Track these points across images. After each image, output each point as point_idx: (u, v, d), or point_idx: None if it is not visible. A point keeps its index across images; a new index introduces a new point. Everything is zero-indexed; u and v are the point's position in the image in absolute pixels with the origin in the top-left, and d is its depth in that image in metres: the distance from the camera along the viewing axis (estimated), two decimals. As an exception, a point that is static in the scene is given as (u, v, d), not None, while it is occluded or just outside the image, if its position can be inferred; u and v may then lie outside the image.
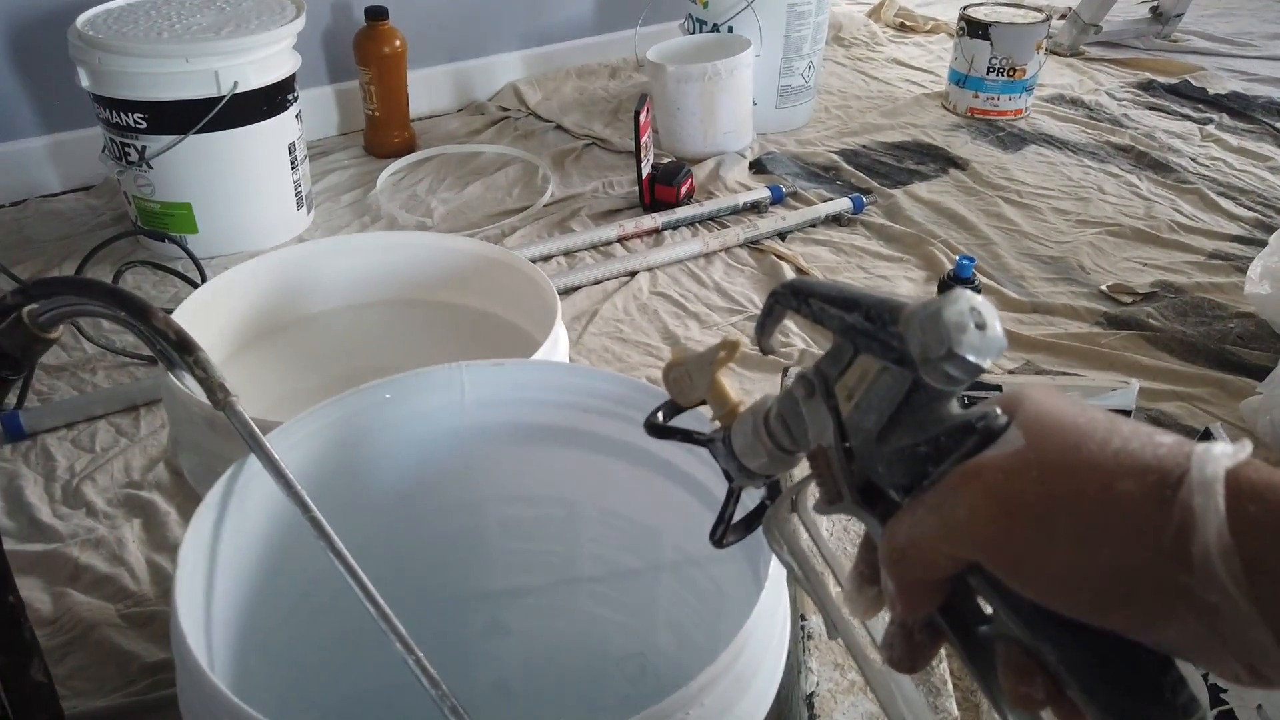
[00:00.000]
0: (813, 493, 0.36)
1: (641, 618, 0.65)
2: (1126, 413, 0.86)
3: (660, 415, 0.44)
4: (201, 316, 0.73)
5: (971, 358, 0.29)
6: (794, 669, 0.62)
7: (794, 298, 0.34)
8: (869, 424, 0.32)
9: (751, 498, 0.41)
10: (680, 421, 0.44)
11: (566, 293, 1.34)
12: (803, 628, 0.62)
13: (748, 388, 1.12)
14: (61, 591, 0.85)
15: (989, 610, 0.30)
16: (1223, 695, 0.67)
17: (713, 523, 0.41)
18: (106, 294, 0.54)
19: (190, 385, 0.64)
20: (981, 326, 0.29)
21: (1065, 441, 0.28)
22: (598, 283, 1.36)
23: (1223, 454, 0.25)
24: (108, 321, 0.74)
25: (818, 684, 0.59)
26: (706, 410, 0.42)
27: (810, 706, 0.57)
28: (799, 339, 1.21)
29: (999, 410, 0.30)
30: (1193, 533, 0.25)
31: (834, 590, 0.38)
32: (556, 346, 0.69)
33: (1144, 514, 0.26)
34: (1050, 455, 0.28)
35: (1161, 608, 0.25)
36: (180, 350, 0.53)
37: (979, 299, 0.29)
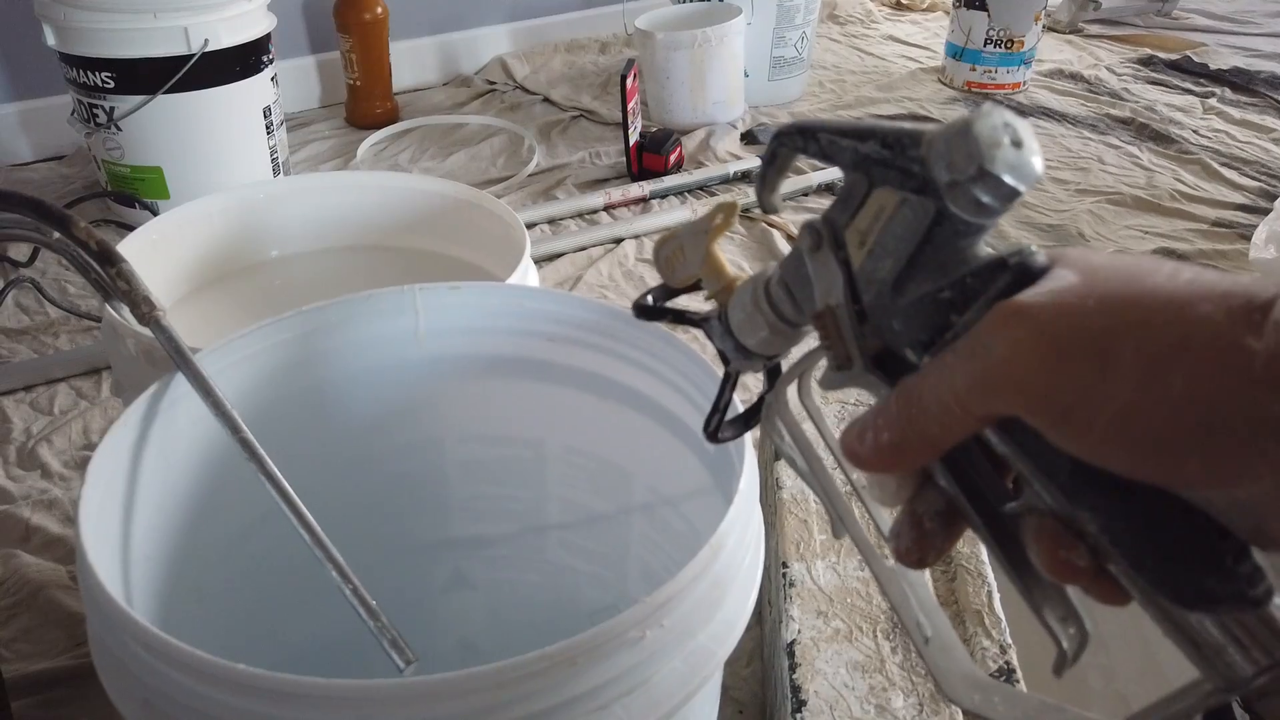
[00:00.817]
0: (819, 370, 0.31)
1: (614, 567, 0.61)
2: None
3: (650, 298, 0.39)
4: (150, 256, 0.69)
5: (1008, 178, 0.24)
6: (776, 619, 0.58)
7: (800, 136, 0.30)
8: (884, 271, 0.28)
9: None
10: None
11: (550, 259, 1.29)
12: (784, 574, 0.58)
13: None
14: (10, 553, 0.80)
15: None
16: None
17: (701, 423, 0.37)
18: (25, 203, 0.49)
19: (129, 317, 0.59)
20: (1018, 144, 0.24)
21: (1128, 274, 0.23)
22: (582, 249, 1.32)
23: None
24: (31, 243, 0.70)
25: (799, 632, 0.54)
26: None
27: (791, 655, 0.53)
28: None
29: (1036, 248, 0.26)
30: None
31: (838, 480, 0.34)
32: (525, 282, 0.65)
33: (1229, 337, 0.21)
34: (1111, 286, 0.23)
35: (1247, 450, 0.21)
36: (101, 261, 0.48)
37: (1010, 114, 0.25)
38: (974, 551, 0.60)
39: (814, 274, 0.30)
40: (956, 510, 0.27)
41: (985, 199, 0.25)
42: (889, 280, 0.28)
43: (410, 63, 1.83)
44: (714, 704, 0.46)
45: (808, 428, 0.35)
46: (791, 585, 0.57)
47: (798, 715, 0.50)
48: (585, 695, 0.34)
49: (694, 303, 0.36)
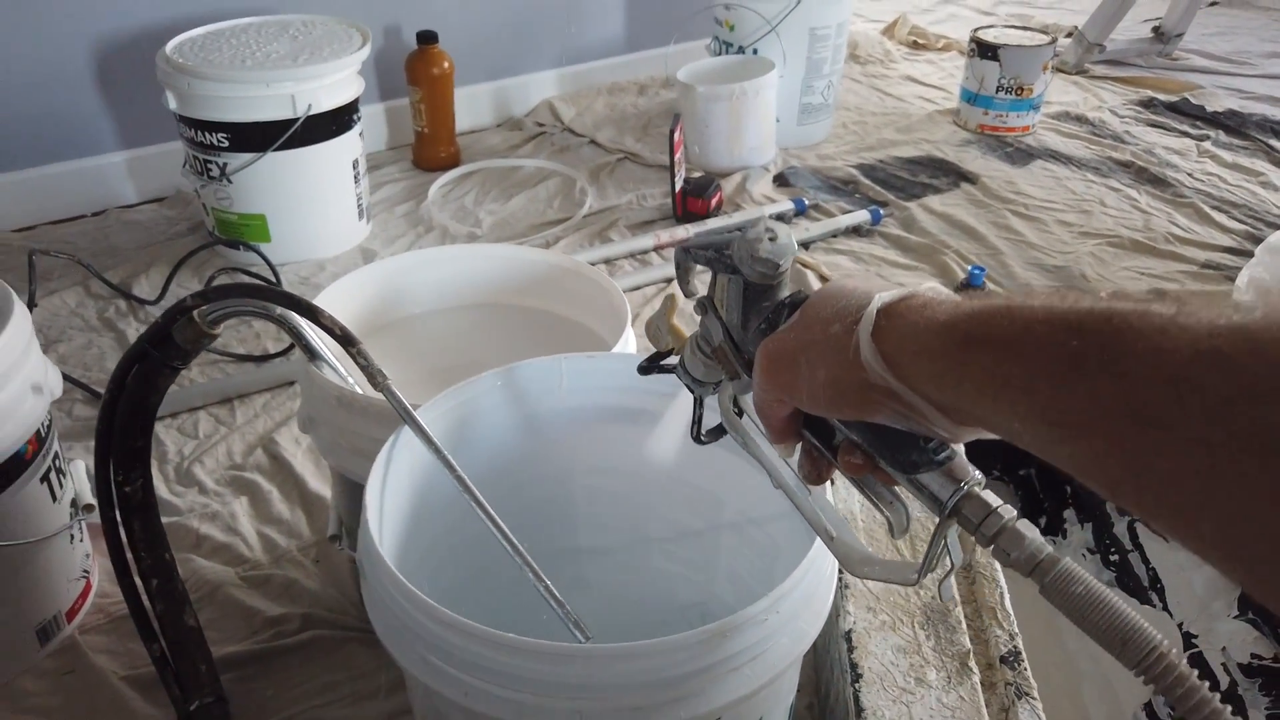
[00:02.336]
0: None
1: (704, 572, 0.77)
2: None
3: (645, 362, 0.61)
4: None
5: (767, 257, 0.45)
6: (834, 613, 0.74)
7: (685, 254, 0.52)
8: (735, 318, 0.48)
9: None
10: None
11: (609, 297, 1.46)
12: (840, 578, 0.74)
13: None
14: (187, 557, 0.97)
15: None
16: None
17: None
18: (282, 297, 0.66)
19: (326, 372, 0.76)
20: (774, 238, 0.45)
21: (819, 308, 0.43)
22: (637, 288, 1.48)
23: (880, 296, 0.40)
24: (256, 317, 0.86)
25: (854, 623, 0.71)
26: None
27: (848, 640, 0.69)
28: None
29: (803, 291, 0.46)
30: (859, 346, 0.39)
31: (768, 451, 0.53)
32: (627, 345, 0.81)
33: (842, 344, 0.40)
34: (804, 319, 0.43)
35: (864, 398, 0.40)
36: (344, 343, 0.65)
37: (773, 221, 0.46)
38: (990, 561, 0.76)
39: (709, 326, 0.51)
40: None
41: (762, 269, 0.46)
42: (739, 323, 0.49)
43: (468, 106, 1.99)
44: (798, 670, 0.62)
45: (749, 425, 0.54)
46: (847, 588, 0.74)
47: (856, 684, 0.66)
48: (728, 658, 0.50)
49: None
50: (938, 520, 0.42)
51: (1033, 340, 0.34)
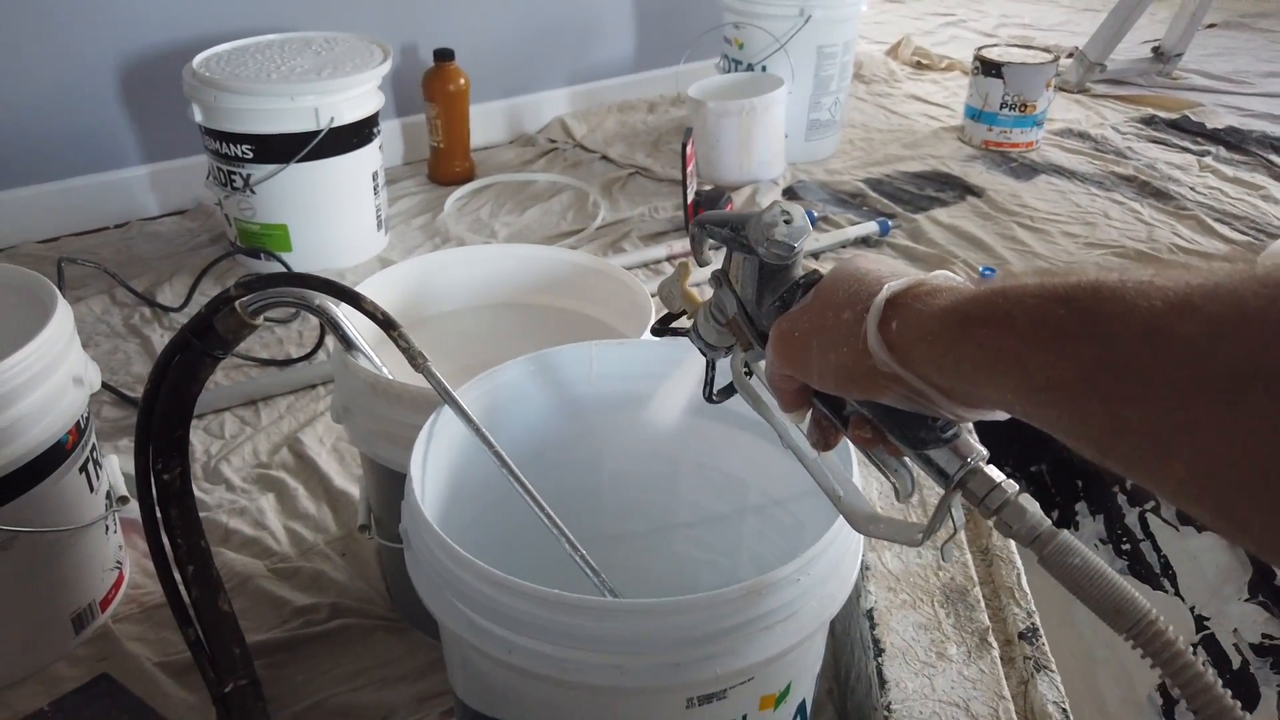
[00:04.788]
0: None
1: (728, 556, 0.79)
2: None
3: (659, 323, 0.64)
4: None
5: (782, 239, 0.47)
6: (855, 594, 0.76)
7: (699, 228, 0.55)
8: (750, 293, 0.51)
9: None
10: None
11: (624, 305, 1.49)
12: (862, 562, 0.76)
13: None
14: (217, 550, 0.99)
15: None
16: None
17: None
18: (325, 285, 0.69)
19: (361, 361, 0.79)
20: (789, 221, 0.47)
21: (832, 291, 0.45)
22: (651, 295, 1.51)
23: (890, 286, 0.42)
24: (295, 308, 0.89)
25: (876, 602, 0.73)
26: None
27: (870, 618, 0.71)
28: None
29: (817, 271, 0.48)
30: (867, 334, 0.41)
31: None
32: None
33: (852, 329, 0.43)
34: (817, 302, 0.46)
35: (871, 381, 0.42)
36: (386, 326, 0.68)
37: (788, 203, 0.47)
38: (1005, 544, 0.78)
39: (723, 298, 0.53)
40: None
41: (778, 251, 0.47)
42: (753, 298, 0.51)
43: (482, 123, 2.03)
44: (824, 642, 0.64)
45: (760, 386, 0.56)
46: (868, 569, 0.76)
47: (879, 659, 0.68)
48: (762, 616, 0.52)
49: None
50: (943, 492, 0.44)
51: (1024, 313, 0.36)
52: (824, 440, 0.50)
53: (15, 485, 0.81)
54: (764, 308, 0.50)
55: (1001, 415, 0.41)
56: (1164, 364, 0.31)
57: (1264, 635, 0.80)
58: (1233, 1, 3.26)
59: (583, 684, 0.52)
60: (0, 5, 1.51)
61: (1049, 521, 0.42)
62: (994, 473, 0.44)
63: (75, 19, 1.58)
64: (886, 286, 0.42)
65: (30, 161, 1.62)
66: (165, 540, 0.82)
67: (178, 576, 0.82)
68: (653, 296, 0.85)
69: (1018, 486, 0.43)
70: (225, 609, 0.85)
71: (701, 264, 0.57)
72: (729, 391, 0.59)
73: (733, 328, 0.53)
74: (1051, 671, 0.67)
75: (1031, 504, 0.42)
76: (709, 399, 0.60)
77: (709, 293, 0.55)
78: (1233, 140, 2.11)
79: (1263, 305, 0.29)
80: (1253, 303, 0.29)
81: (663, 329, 0.63)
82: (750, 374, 0.56)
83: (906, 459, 0.47)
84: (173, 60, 1.59)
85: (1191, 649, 0.67)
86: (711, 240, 0.54)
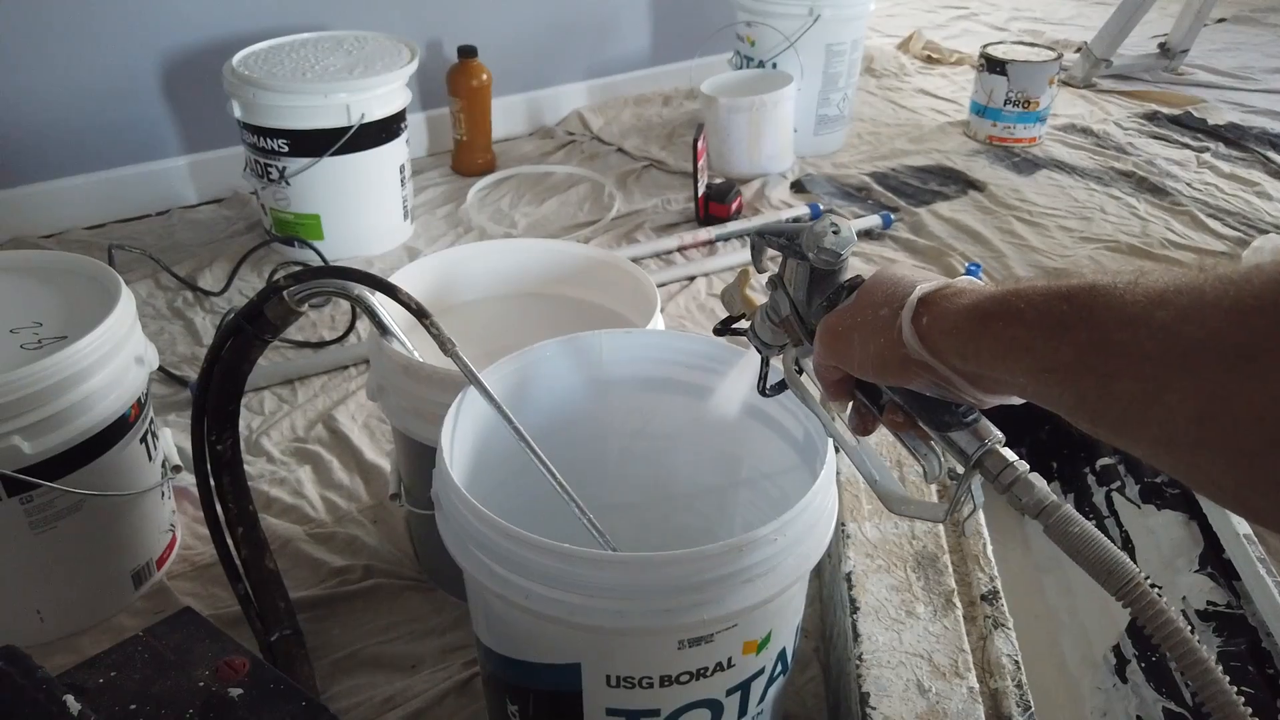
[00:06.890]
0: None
1: (721, 525, 0.88)
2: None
3: (720, 324, 0.71)
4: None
5: (830, 247, 0.55)
6: (837, 559, 0.84)
7: (759, 237, 0.63)
8: (801, 295, 0.59)
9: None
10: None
11: (636, 294, 1.57)
12: (843, 530, 0.84)
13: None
14: (261, 515, 1.08)
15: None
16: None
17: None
18: (365, 277, 0.77)
19: (395, 345, 0.88)
20: (836, 232, 0.55)
21: (872, 292, 0.52)
22: (662, 285, 1.59)
23: (922, 287, 0.49)
24: (334, 298, 0.98)
25: (854, 566, 0.81)
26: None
27: (849, 580, 0.80)
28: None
29: (860, 276, 0.56)
30: (902, 327, 0.48)
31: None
32: (657, 327, 0.92)
33: (889, 324, 0.50)
34: (859, 301, 0.53)
35: (904, 370, 0.49)
36: (418, 315, 0.76)
37: (836, 217, 0.55)
38: (974, 519, 0.86)
39: (778, 300, 0.61)
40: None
41: (826, 258, 0.55)
42: (804, 299, 0.58)
43: (503, 116, 2.11)
44: (804, 592, 0.73)
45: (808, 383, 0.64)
46: (848, 537, 0.84)
47: (854, 616, 0.77)
48: (743, 570, 0.61)
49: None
50: (963, 470, 0.52)
51: (1032, 309, 0.44)
52: (863, 426, 0.58)
53: (85, 454, 0.90)
54: (813, 307, 0.57)
55: (1016, 400, 0.48)
56: (1142, 342, 0.38)
57: (1209, 602, 0.88)
58: (1245, -5, 3.29)
59: (588, 625, 0.60)
60: (49, 12, 1.61)
61: (1054, 496, 0.49)
62: (1007, 453, 0.51)
63: (118, 22, 1.67)
64: (919, 288, 0.49)
65: (78, 153, 1.72)
66: (218, 504, 0.92)
67: (229, 537, 0.92)
68: (712, 296, 0.93)
69: (1027, 465, 0.51)
70: (271, 567, 0.94)
71: (760, 270, 0.65)
72: (780, 387, 0.67)
73: (786, 326, 0.60)
74: (1008, 629, 0.76)
75: (1039, 481, 0.50)
76: (762, 393, 0.68)
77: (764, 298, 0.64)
78: (1232, 136, 2.16)
79: (1218, 295, 0.37)
80: (1210, 294, 0.37)
81: (724, 329, 0.71)
82: (800, 371, 0.64)
83: (934, 443, 0.54)
84: (209, 57, 1.68)
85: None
86: (770, 250, 0.62)
